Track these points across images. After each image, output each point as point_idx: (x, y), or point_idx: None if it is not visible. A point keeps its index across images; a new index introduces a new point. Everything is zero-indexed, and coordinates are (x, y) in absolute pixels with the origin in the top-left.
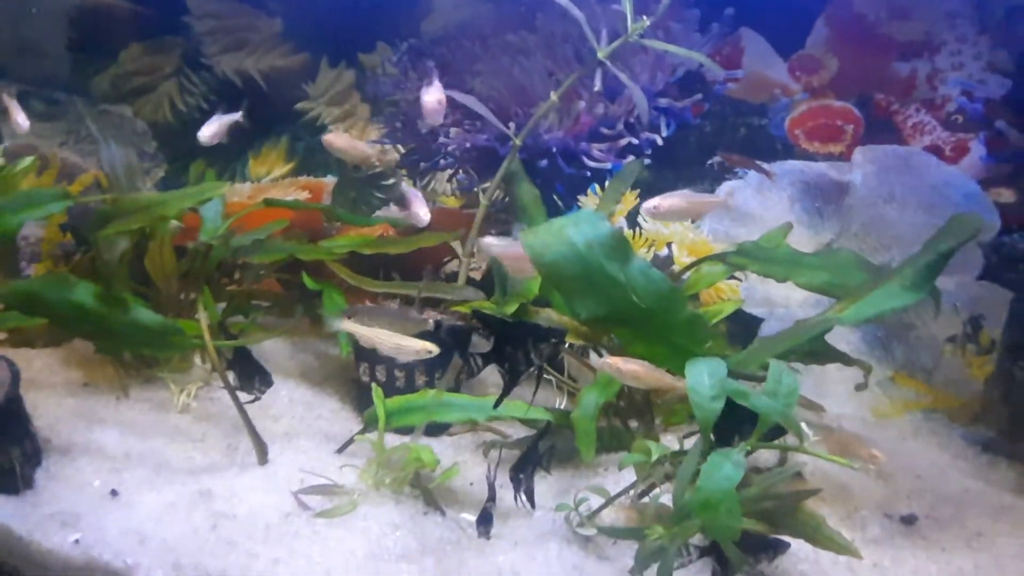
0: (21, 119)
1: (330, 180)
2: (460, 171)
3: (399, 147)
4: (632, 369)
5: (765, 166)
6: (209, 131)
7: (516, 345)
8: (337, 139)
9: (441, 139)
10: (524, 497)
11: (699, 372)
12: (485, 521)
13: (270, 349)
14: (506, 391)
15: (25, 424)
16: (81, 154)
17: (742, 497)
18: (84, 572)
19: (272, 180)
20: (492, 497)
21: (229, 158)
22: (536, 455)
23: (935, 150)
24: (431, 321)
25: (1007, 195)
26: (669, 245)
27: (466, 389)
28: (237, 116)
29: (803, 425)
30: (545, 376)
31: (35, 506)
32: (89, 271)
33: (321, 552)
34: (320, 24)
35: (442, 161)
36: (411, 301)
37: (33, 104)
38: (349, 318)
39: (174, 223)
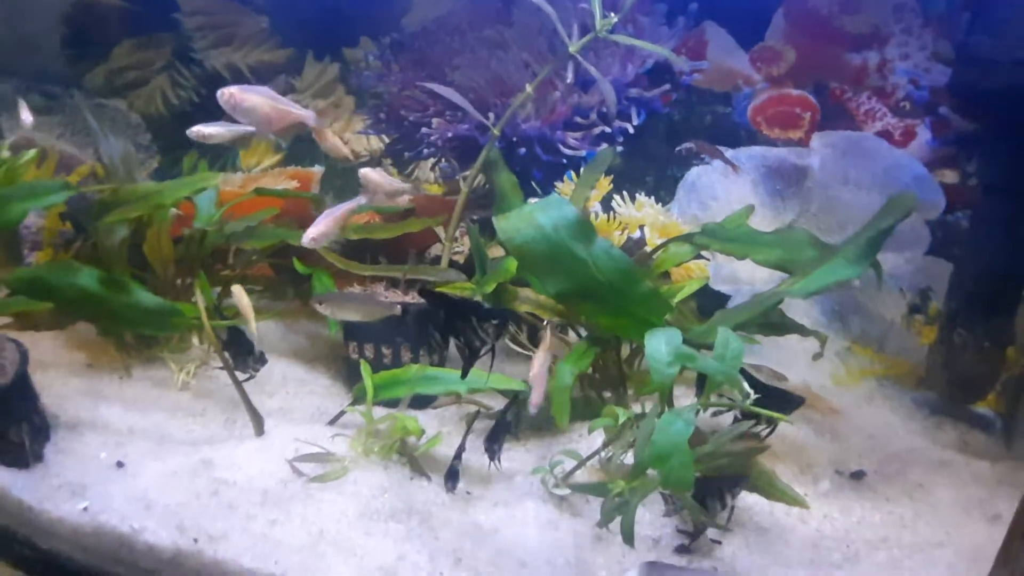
0: (25, 115)
1: (318, 170)
2: (442, 160)
3: (383, 137)
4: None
5: (729, 155)
6: (210, 131)
7: (463, 321)
8: (372, 174)
9: (424, 130)
10: (497, 463)
11: (657, 341)
12: (452, 477)
13: (263, 330)
14: (467, 365)
15: (34, 401)
16: (78, 146)
17: (698, 454)
18: (93, 537)
19: (262, 170)
20: (459, 455)
21: (221, 149)
22: (506, 424)
23: (885, 135)
24: (399, 306)
25: (951, 176)
26: (641, 227)
27: (450, 364)
28: (249, 130)
29: (744, 384)
30: (524, 352)
31: (44, 478)
32: (90, 257)
33: (315, 513)
34: (305, 20)
35: (425, 151)
36: (397, 283)
37: (31, 99)
38: (321, 304)
39: (172, 211)
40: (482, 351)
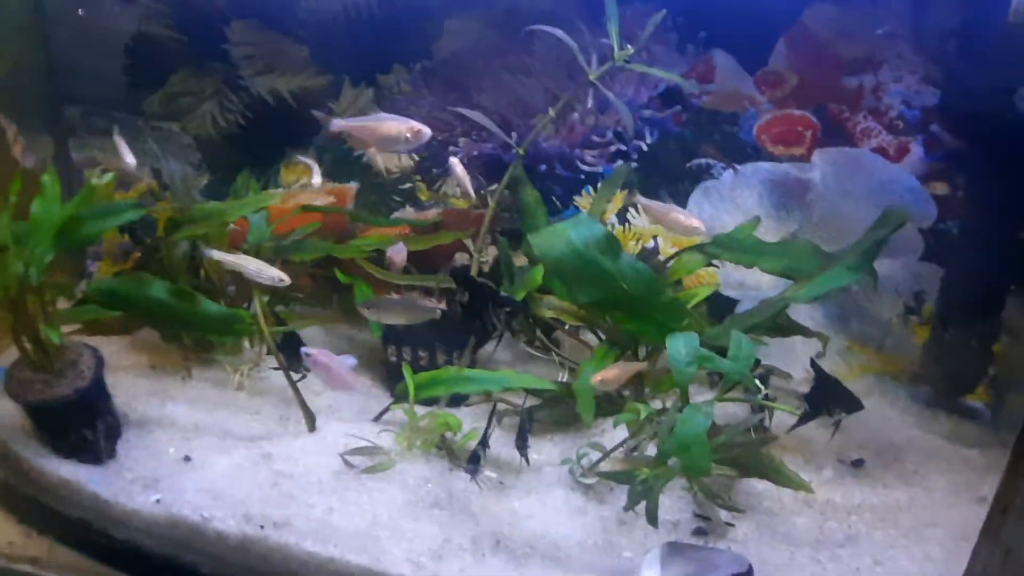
0: (129, 158)
1: (352, 185)
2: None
3: (413, 156)
4: (611, 375)
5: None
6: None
7: (483, 302)
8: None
9: (451, 148)
10: (525, 459)
11: (677, 343)
12: (473, 460)
13: (308, 336)
14: (479, 343)
15: (107, 402)
16: (136, 166)
17: (713, 444)
18: (166, 527)
19: (301, 186)
20: (482, 442)
21: (264, 167)
22: (529, 423)
23: (881, 151)
24: (438, 310)
25: (941, 188)
26: (655, 238)
27: (481, 366)
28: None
29: (756, 381)
30: (548, 356)
31: (118, 473)
32: (149, 268)
33: (368, 501)
34: (342, 49)
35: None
36: (431, 292)
37: (95, 122)
38: (368, 308)
39: (229, 226)
40: (494, 334)
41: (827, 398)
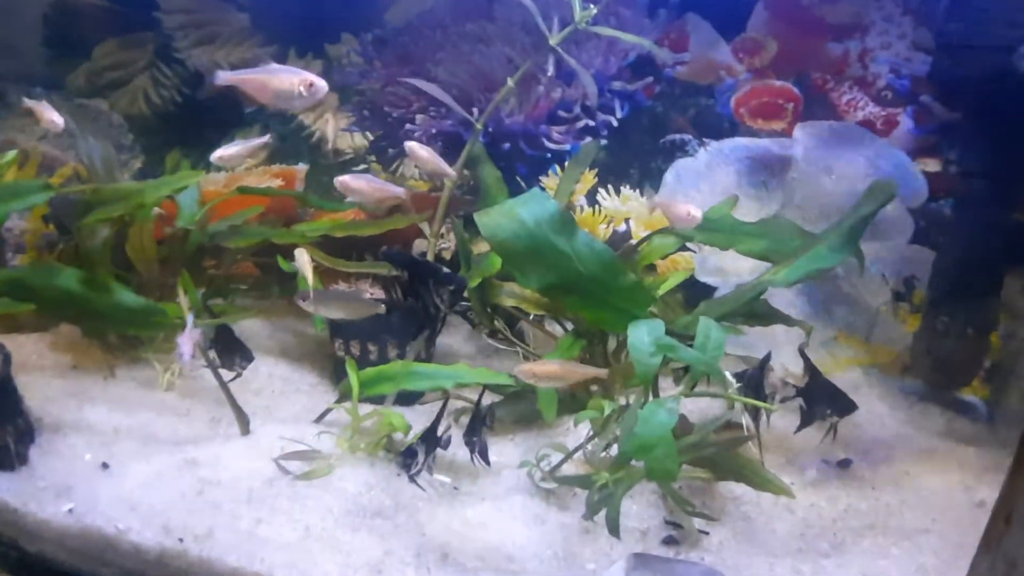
0: (54, 116)
1: (302, 167)
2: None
3: (367, 134)
4: (548, 371)
5: (713, 146)
6: (230, 152)
7: (423, 281)
8: (352, 182)
9: (408, 126)
10: (479, 457)
11: (640, 332)
12: (408, 455)
13: (249, 329)
14: (424, 331)
15: (17, 404)
16: (60, 147)
17: (683, 445)
18: (78, 539)
19: (246, 168)
20: (427, 439)
21: (204, 148)
22: (481, 417)
23: (868, 124)
24: (382, 305)
25: (933, 164)
26: (627, 221)
27: (439, 360)
28: (265, 139)
29: (727, 374)
30: (511, 348)
31: (29, 480)
32: (73, 259)
33: (301, 510)
34: (287, 17)
35: None
36: (382, 280)
37: (12, 100)
38: (304, 300)
39: (154, 210)
40: (439, 316)
41: (820, 398)
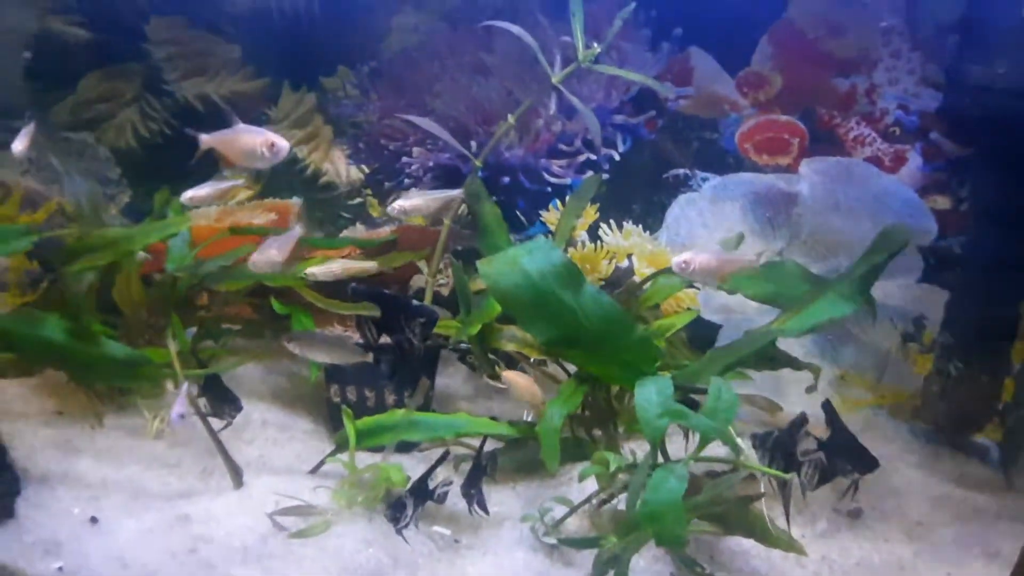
0: (17, 144)
1: (296, 201)
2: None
3: (363, 167)
4: (522, 385)
5: (716, 181)
6: (201, 193)
7: (394, 316)
8: (408, 202)
9: (404, 159)
10: (478, 508)
11: (647, 392)
12: (396, 508)
13: (241, 372)
14: (398, 366)
15: (2, 456)
16: (44, 182)
17: (693, 503)
18: None
19: (238, 203)
20: (416, 492)
21: (195, 182)
22: (482, 468)
23: (875, 160)
24: (370, 353)
25: (942, 202)
26: (630, 257)
27: (437, 403)
28: (237, 182)
29: (739, 440)
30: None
31: (17, 535)
32: (57, 300)
33: (296, 571)
34: (279, 48)
35: (405, 180)
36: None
37: None
38: (289, 342)
39: (141, 254)
40: (413, 351)
41: (842, 453)
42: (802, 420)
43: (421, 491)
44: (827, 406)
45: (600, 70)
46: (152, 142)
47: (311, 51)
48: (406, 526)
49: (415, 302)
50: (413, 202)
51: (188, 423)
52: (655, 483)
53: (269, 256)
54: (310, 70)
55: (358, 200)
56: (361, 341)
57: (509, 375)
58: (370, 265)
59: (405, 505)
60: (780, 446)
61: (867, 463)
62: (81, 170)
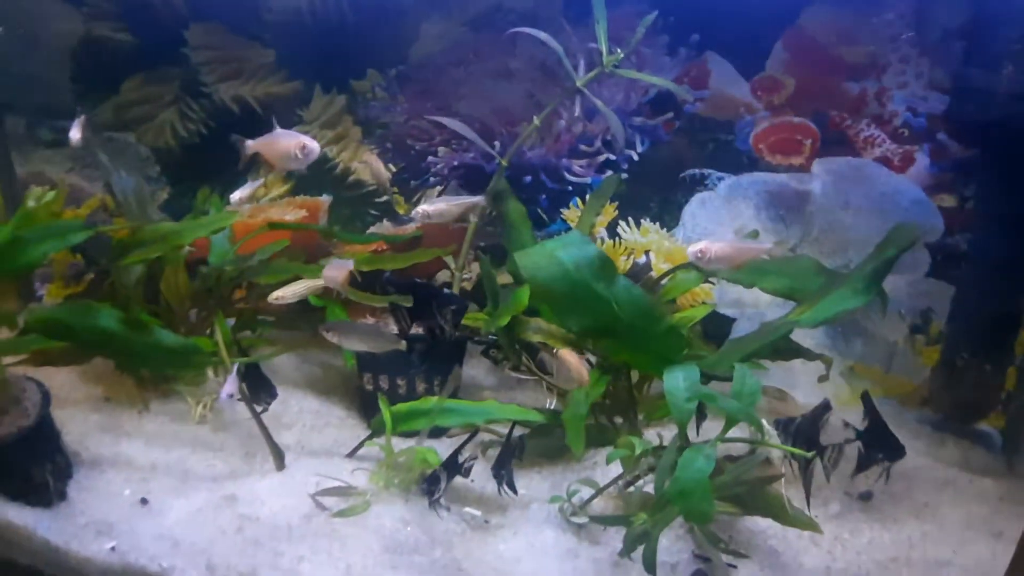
0: (74, 132)
1: (325, 199)
2: (449, 187)
3: (390, 166)
4: (574, 364)
5: (731, 181)
6: (244, 194)
7: (426, 304)
8: (432, 207)
9: (430, 158)
10: (507, 489)
11: (675, 378)
12: (431, 481)
13: (277, 362)
14: (427, 350)
15: (56, 440)
16: (87, 179)
17: (716, 484)
18: None
19: (270, 200)
20: (447, 466)
21: (230, 180)
22: (511, 450)
23: (885, 161)
24: (403, 341)
25: (949, 200)
26: (647, 253)
27: (464, 392)
28: (259, 183)
29: (763, 422)
30: (536, 379)
31: (70, 517)
32: (103, 292)
33: (341, 548)
34: (312, 53)
35: (431, 179)
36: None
37: (42, 133)
38: (327, 332)
39: (186, 248)
40: (445, 335)
41: (877, 442)
42: (825, 407)
43: (453, 466)
44: (865, 397)
45: (622, 74)
46: (190, 142)
47: (341, 56)
48: (439, 499)
49: (445, 290)
50: (436, 207)
51: (229, 409)
52: (685, 462)
53: (341, 272)
54: (340, 74)
55: (385, 198)
56: (396, 330)
57: (563, 353)
58: (319, 283)
59: (439, 479)
60: (803, 433)
61: (898, 451)
62: (124, 167)
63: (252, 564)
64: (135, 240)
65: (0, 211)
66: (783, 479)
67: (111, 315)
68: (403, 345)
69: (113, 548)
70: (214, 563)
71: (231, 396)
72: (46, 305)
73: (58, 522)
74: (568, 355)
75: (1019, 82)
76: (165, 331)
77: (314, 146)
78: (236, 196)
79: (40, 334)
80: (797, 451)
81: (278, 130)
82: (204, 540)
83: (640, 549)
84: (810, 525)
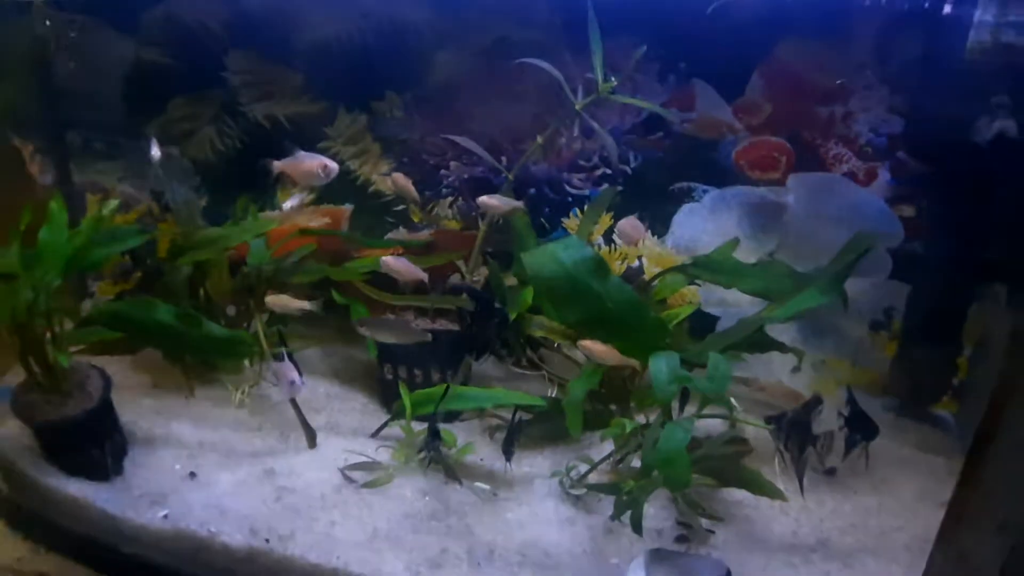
0: (155, 150)
1: (348, 207)
2: (459, 199)
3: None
4: (601, 350)
5: (715, 194)
6: (294, 204)
7: (487, 313)
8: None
9: (442, 172)
10: (510, 464)
11: (659, 363)
12: (433, 435)
13: (305, 355)
14: (479, 355)
15: (115, 421)
16: (135, 187)
17: (693, 457)
18: (174, 541)
19: (296, 208)
20: (436, 435)
21: (261, 190)
22: (516, 431)
23: (851, 176)
24: (429, 334)
25: (908, 210)
26: (640, 258)
27: (474, 383)
28: (304, 195)
29: (732, 400)
30: (536, 373)
31: (125, 490)
32: (150, 288)
33: (368, 514)
34: (337, 77)
35: (444, 190)
36: (425, 312)
37: (96, 146)
38: (363, 326)
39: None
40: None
41: (858, 426)
42: (817, 400)
43: (435, 432)
44: (848, 391)
45: (617, 99)
46: (227, 155)
47: (363, 79)
48: (434, 453)
49: (497, 305)
50: (493, 201)
51: (263, 395)
52: (667, 435)
53: (409, 267)
54: (362, 95)
55: (401, 207)
56: (421, 326)
57: (586, 343)
58: (305, 303)
59: (438, 431)
60: (795, 425)
61: (873, 431)
62: (173, 179)
63: (291, 528)
64: (188, 244)
65: (65, 220)
66: (753, 456)
67: (168, 310)
68: (429, 338)
69: (166, 516)
70: (257, 527)
71: (292, 383)
72: (109, 301)
73: (114, 494)
74: (592, 344)
75: (961, 108)
76: (214, 324)
77: (334, 166)
78: (287, 205)
79: (104, 326)
80: (757, 423)
81: (300, 152)
82: (247, 508)
83: (628, 513)
84: (778, 494)
